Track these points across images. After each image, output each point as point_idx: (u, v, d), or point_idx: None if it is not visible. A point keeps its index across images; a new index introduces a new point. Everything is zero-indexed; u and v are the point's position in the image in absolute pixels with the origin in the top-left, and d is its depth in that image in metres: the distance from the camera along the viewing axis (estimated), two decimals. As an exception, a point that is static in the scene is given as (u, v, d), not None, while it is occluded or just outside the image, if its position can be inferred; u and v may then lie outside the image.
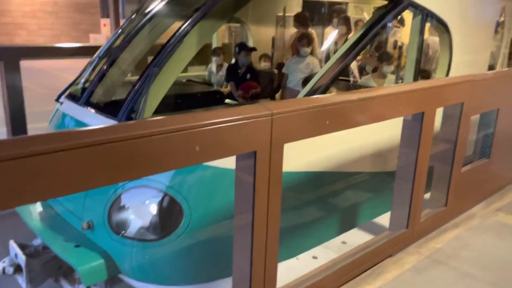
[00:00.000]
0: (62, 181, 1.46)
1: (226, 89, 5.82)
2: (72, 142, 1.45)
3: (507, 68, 5.41)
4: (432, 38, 6.21)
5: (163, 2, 4.57)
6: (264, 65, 6.08)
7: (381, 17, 3.76)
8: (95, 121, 3.61)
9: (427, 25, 4.19)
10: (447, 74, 4.33)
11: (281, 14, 7.16)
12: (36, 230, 3.42)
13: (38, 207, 3.71)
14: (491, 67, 5.13)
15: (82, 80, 4.39)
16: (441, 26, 4.17)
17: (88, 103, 3.88)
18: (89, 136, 1.51)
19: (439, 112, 3.15)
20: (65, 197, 3.47)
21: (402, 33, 6.66)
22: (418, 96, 2.85)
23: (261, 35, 7.01)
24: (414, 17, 4.01)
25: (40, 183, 1.41)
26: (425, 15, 3.96)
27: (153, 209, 3.12)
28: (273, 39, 7.22)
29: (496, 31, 5.03)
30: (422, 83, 3.22)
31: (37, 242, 3.50)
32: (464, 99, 3.24)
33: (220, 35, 7.19)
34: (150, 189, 3.13)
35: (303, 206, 3.54)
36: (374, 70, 5.20)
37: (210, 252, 3.11)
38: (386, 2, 3.88)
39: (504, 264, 3.05)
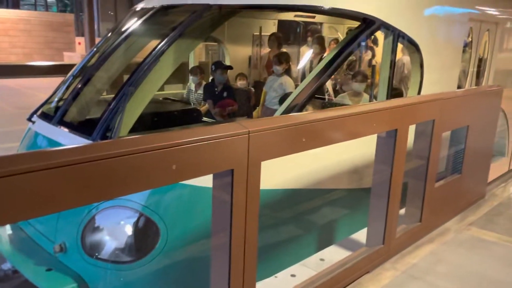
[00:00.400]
0: (35, 202, 1.42)
1: (204, 106, 5.84)
2: (44, 162, 1.42)
3: (475, 86, 5.60)
4: (407, 58, 6.38)
5: (139, 21, 4.57)
6: (240, 83, 6.13)
7: (354, 37, 3.86)
8: (69, 140, 3.55)
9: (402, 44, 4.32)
10: (419, 92, 4.45)
11: (257, 33, 7.26)
12: (5, 254, 3.30)
13: (7, 230, 3.58)
14: (459, 87, 5.30)
15: (56, 99, 4.32)
16: (412, 46, 4.31)
17: (61, 122, 3.81)
18: (62, 156, 1.49)
19: (413, 129, 3.23)
20: (36, 219, 3.37)
21: (377, 52, 6.83)
22: (391, 114, 2.92)
23: (237, 54, 7.08)
24: (385, 37, 4.13)
25: (11, 205, 1.37)
26: (397, 35, 4.08)
27: (128, 229, 3.06)
28: (250, 58, 7.30)
29: (464, 51, 5.22)
30: (394, 101, 3.30)
31: (6, 266, 3.38)
32: (435, 117, 3.33)
33: (197, 54, 7.23)
34: (125, 210, 3.07)
35: (281, 224, 3.53)
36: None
37: (187, 273, 3.06)
38: (359, 23, 3.99)
39: (478, 278, 3.10)
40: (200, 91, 6.15)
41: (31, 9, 29.17)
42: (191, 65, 6.78)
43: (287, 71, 5.34)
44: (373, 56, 6.59)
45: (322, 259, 3.44)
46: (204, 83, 6.20)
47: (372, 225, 3.16)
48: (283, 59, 5.24)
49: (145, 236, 3.05)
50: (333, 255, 3.44)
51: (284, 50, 6.41)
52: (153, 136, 1.76)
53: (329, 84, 5.92)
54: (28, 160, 1.43)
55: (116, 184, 1.61)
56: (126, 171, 1.62)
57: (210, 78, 6.26)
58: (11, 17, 21.25)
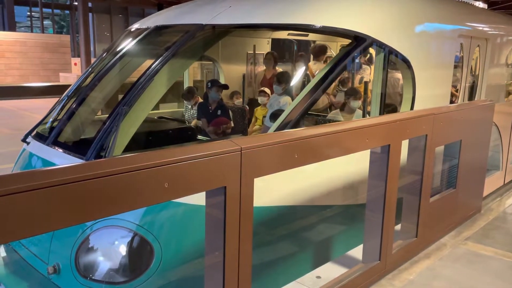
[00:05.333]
0: (27, 222, 1.41)
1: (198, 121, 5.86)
2: (36, 182, 1.42)
3: (468, 101, 5.65)
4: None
5: (134, 41, 4.62)
6: (234, 101, 6.19)
7: (346, 55, 3.91)
8: (63, 160, 3.54)
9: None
10: (412, 108, 4.48)
11: (251, 51, 7.34)
12: (-2, 276, 3.26)
13: (0, 252, 3.55)
14: (451, 103, 5.34)
15: (50, 119, 4.32)
16: (404, 63, 4.36)
17: (56, 143, 3.81)
18: (54, 176, 1.49)
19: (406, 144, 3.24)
20: (29, 240, 3.34)
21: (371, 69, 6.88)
22: (384, 129, 2.94)
23: (232, 72, 7.14)
24: (377, 54, 4.18)
25: (4, 225, 1.36)
26: (388, 52, 4.14)
27: (123, 250, 3.04)
28: (244, 76, 7.36)
29: (455, 67, 5.28)
30: (387, 117, 3.33)
31: (-1, 289, 3.33)
32: (428, 132, 3.36)
33: (191, 73, 7.28)
34: (120, 229, 3.05)
35: (275, 241, 3.51)
36: (342, 106, 5.34)
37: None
38: (350, 41, 4.04)
39: (475, 293, 3.09)
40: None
41: (27, 31, 29.41)
42: (186, 84, 6.83)
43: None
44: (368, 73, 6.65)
45: (318, 277, 3.41)
46: (201, 100, 6.25)
47: (368, 241, 3.15)
48: (283, 79, 5.33)
49: (139, 255, 3.03)
50: (329, 272, 3.41)
51: (280, 69, 6.48)
52: (145, 155, 1.77)
53: (326, 100, 5.98)
54: (20, 180, 1.43)
55: (109, 203, 1.61)
56: (119, 189, 1.62)
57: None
58: (7, 39, 21.39)
